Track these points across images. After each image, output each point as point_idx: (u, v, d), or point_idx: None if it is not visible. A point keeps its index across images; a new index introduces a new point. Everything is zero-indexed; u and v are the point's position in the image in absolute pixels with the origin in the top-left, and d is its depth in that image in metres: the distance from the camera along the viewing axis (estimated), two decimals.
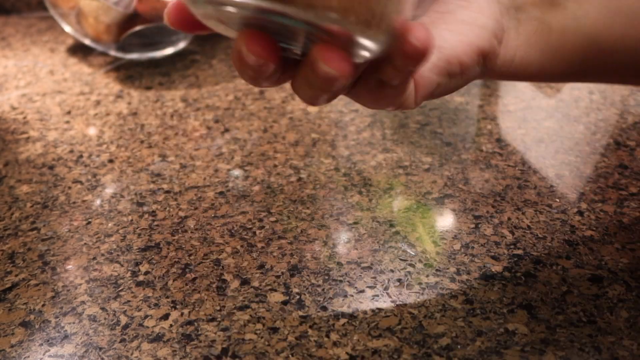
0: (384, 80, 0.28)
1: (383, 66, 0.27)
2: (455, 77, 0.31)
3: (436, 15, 0.31)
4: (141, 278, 0.38)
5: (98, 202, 0.46)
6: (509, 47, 0.33)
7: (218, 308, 0.35)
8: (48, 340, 0.33)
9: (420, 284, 0.37)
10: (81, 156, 0.52)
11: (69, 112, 0.60)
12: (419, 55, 0.26)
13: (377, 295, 0.36)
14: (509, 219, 0.43)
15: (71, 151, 0.53)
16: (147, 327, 0.34)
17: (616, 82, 0.42)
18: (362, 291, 0.36)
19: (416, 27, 0.26)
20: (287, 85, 0.64)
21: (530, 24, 0.33)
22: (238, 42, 0.26)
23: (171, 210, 0.44)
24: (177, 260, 0.39)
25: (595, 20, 0.33)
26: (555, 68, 0.34)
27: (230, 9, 0.24)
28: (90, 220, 0.43)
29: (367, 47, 0.25)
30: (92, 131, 0.57)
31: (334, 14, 0.24)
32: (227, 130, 0.57)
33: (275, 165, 0.50)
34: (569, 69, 0.35)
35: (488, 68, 0.33)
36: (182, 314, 0.35)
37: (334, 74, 0.25)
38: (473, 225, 0.43)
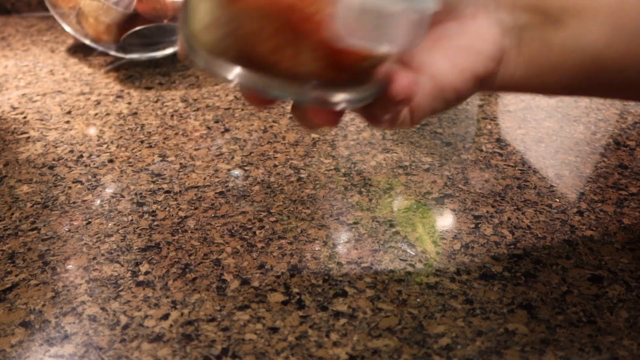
0: (374, 114, 0.32)
1: (372, 105, 0.30)
2: (452, 100, 0.32)
3: (433, 41, 0.31)
4: (141, 278, 0.38)
5: (98, 202, 0.46)
6: (509, 65, 0.32)
7: (218, 308, 0.35)
8: (48, 340, 0.33)
9: (420, 284, 0.37)
10: (81, 156, 0.52)
11: (69, 112, 0.60)
12: (401, 101, 0.30)
13: (377, 295, 0.36)
14: (509, 219, 0.43)
15: (71, 151, 0.53)
16: (147, 327, 0.34)
17: (620, 98, 0.42)
18: (362, 291, 0.36)
19: (399, 76, 0.29)
20: None
21: (532, 43, 0.32)
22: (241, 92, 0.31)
23: (171, 210, 0.44)
24: (177, 260, 0.39)
25: (597, 38, 0.32)
26: (556, 84, 0.34)
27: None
28: (90, 220, 0.43)
29: (353, 100, 0.29)
30: (92, 131, 0.57)
31: (310, 86, 0.28)
32: (227, 130, 0.57)
33: (275, 165, 0.50)
34: (570, 86, 0.34)
35: (486, 86, 0.33)
36: (182, 314, 0.35)
37: (321, 125, 0.31)
38: (473, 225, 0.43)
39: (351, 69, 0.28)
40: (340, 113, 0.31)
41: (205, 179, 0.49)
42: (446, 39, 0.31)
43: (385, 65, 0.29)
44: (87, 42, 0.73)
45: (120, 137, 0.55)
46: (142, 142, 0.55)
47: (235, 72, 0.28)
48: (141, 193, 0.47)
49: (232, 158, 0.52)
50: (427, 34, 0.31)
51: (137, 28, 0.68)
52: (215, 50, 0.28)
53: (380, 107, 0.31)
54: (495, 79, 0.33)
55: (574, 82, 0.34)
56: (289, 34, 0.27)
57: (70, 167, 0.50)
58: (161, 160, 0.51)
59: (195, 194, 0.46)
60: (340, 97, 0.29)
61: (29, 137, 0.55)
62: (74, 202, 0.45)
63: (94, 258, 0.39)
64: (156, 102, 0.63)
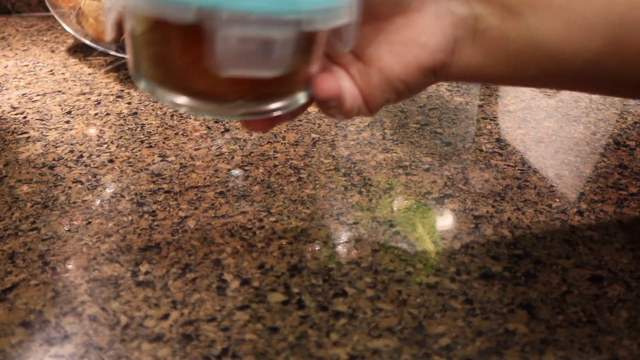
0: (321, 109, 0.33)
1: (313, 103, 0.33)
2: (403, 91, 0.33)
3: (381, 34, 0.32)
4: (141, 278, 0.38)
5: (98, 202, 0.46)
6: (464, 55, 0.33)
7: (218, 308, 0.35)
8: (48, 340, 0.33)
9: (420, 284, 0.37)
10: (81, 156, 0.52)
11: (69, 112, 0.60)
12: (328, 102, 0.32)
13: (377, 295, 0.36)
14: (509, 219, 0.43)
15: (71, 151, 0.53)
16: (147, 327, 0.34)
17: (577, 90, 0.42)
18: (362, 291, 0.36)
19: (319, 81, 0.31)
20: None
21: (488, 33, 0.33)
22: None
23: (171, 210, 0.44)
24: (177, 260, 0.39)
25: (550, 30, 0.32)
26: (513, 75, 0.35)
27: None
28: (90, 220, 0.43)
29: (281, 108, 0.31)
30: (92, 131, 0.57)
31: (236, 104, 0.30)
32: (227, 130, 0.57)
33: (275, 165, 0.50)
34: (527, 76, 0.35)
35: (441, 76, 0.34)
36: (182, 314, 0.35)
37: (259, 131, 0.34)
38: (473, 225, 0.43)
39: (258, 89, 0.30)
40: (275, 118, 0.33)
41: (205, 179, 0.49)
42: (392, 33, 0.32)
43: (311, 68, 0.31)
44: (87, 42, 0.73)
45: (120, 137, 0.55)
46: (142, 142, 0.55)
47: (167, 98, 0.30)
48: (141, 193, 0.47)
49: (232, 158, 0.52)
50: (376, 28, 0.32)
51: None
52: (152, 76, 0.30)
53: (320, 105, 0.33)
54: (450, 68, 0.33)
55: (530, 73, 0.34)
56: (189, 64, 0.28)
57: (70, 167, 0.50)
58: (161, 160, 0.51)
59: (195, 194, 0.46)
60: (267, 108, 0.30)
61: (29, 137, 0.55)
62: (74, 202, 0.45)
63: (94, 258, 0.39)
64: (156, 102, 0.63)
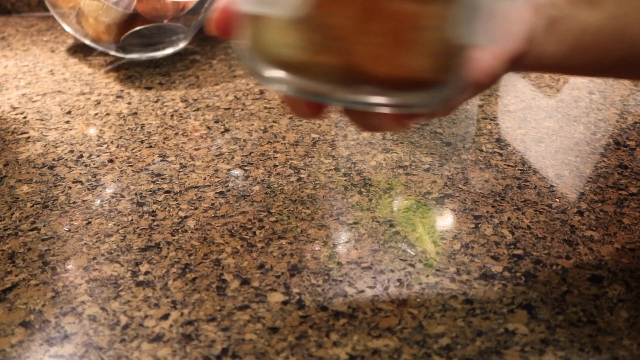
0: None
1: None
2: (486, 85, 0.32)
3: None
4: (141, 278, 0.38)
5: (98, 202, 0.46)
6: (539, 44, 0.32)
7: (218, 308, 0.35)
8: (48, 340, 0.33)
9: (420, 284, 0.37)
10: (81, 156, 0.52)
11: (69, 112, 0.60)
12: (482, 87, 0.30)
13: (377, 295, 0.36)
14: (509, 219, 0.43)
15: (71, 151, 0.53)
16: (147, 327, 0.34)
17: None
18: (362, 291, 0.36)
19: (477, 60, 0.28)
20: None
21: (563, 22, 0.32)
22: (286, 102, 0.29)
23: (171, 210, 0.44)
24: (177, 260, 0.39)
25: (634, 21, 0.31)
26: (586, 65, 0.34)
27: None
28: (90, 220, 0.43)
29: (436, 101, 0.27)
30: (92, 131, 0.57)
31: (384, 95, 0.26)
32: (227, 130, 0.57)
33: (275, 165, 0.50)
34: (599, 66, 0.34)
35: (517, 66, 0.33)
36: (182, 314, 0.35)
37: (393, 131, 0.30)
38: (473, 225, 0.43)
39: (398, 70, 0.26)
40: (411, 120, 0.29)
41: (205, 179, 0.49)
42: None
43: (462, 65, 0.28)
44: (87, 42, 0.73)
45: (120, 137, 0.55)
46: (142, 142, 0.55)
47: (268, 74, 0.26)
48: (141, 193, 0.47)
49: (232, 158, 0.52)
50: None
51: (137, 28, 0.68)
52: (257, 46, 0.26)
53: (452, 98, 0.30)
54: (527, 58, 0.32)
55: (605, 64, 0.33)
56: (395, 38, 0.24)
57: (70, 167, 0.50)
58: (161, 160, 0.51)
59: (195, 194, 0.46)
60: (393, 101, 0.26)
61: (29, 137, 0.55)
62: (74, 202, 0.45)
63: (94, 258, 0.39)
64: (156, 102, 0.63)
